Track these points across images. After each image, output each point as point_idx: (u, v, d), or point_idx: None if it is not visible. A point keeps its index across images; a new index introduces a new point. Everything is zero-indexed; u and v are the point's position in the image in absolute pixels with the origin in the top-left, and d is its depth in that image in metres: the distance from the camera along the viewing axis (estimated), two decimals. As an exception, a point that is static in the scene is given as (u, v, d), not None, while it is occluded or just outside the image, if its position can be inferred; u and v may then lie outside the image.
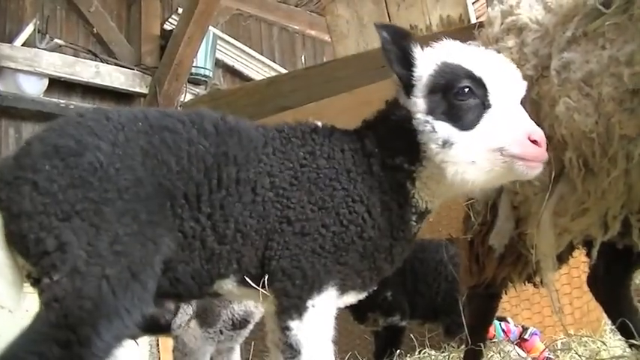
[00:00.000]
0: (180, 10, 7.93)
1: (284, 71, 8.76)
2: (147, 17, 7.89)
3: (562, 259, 3.04)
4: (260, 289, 2.26)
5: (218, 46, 8.48)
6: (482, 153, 2.23)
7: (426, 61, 2.35)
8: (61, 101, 7.06)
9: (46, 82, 7.00)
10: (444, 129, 2.26)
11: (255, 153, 2.31)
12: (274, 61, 9.20)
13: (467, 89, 2.26)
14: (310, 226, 2.26)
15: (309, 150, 2.37)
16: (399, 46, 2.35)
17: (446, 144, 2.26)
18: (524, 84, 2.38)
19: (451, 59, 2.34)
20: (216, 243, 2.22)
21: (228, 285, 2.34)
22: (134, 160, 2.15)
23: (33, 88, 6.90)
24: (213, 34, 8.26)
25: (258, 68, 8.94)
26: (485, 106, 2.26)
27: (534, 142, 2.21)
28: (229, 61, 8.82)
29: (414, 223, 2.42)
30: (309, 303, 2.21)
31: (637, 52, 2.39)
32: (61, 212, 2.02)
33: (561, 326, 4.14)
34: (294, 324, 2.20)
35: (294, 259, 2.24)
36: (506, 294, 3.43)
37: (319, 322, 2.24)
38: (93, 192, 2.05)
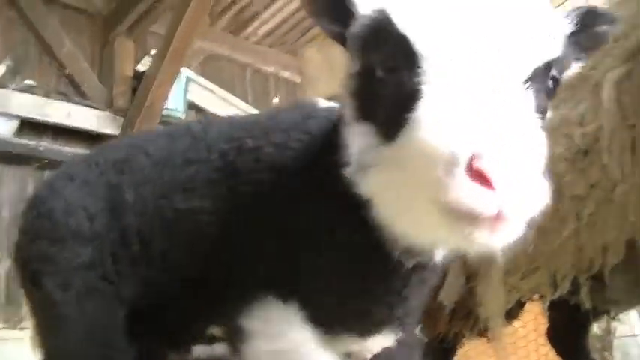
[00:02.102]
0: (153, 52, 7.92)
1: (257, 112, 8.75)
2: (120, 58, 7.87)
3: (512, 314, 3.07)
4: None
5: (190, 88, 8.48)
6: (411, 193, 1.22)
7: (363, 13, 1.42)
8: (31, 142, 7.00)
9: (16, 123, 6.95)
10: (360, 138, 1.36)
11: None
12: (247, 103, 9.22)
13: (388, 60, 1.29)
14: None
15: None
16: None
17: (362, 167, 1.35)
18: (542, 44, 1.31)
19: (381, 5, 1.35)
20: None
21: None
22: None
23: (3, 128, 6.85)
24: (186, 75, 8.27)
25: (231, 110, 8.93)
26: (413, 92, 1.21)
27: (479, 175, 1.11)
28: (202, 103, 8.80)
29: None
30: None
31: (588, 112, 2.42)
32: None
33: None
34: None
35: None
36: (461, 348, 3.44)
37: None
38: None
